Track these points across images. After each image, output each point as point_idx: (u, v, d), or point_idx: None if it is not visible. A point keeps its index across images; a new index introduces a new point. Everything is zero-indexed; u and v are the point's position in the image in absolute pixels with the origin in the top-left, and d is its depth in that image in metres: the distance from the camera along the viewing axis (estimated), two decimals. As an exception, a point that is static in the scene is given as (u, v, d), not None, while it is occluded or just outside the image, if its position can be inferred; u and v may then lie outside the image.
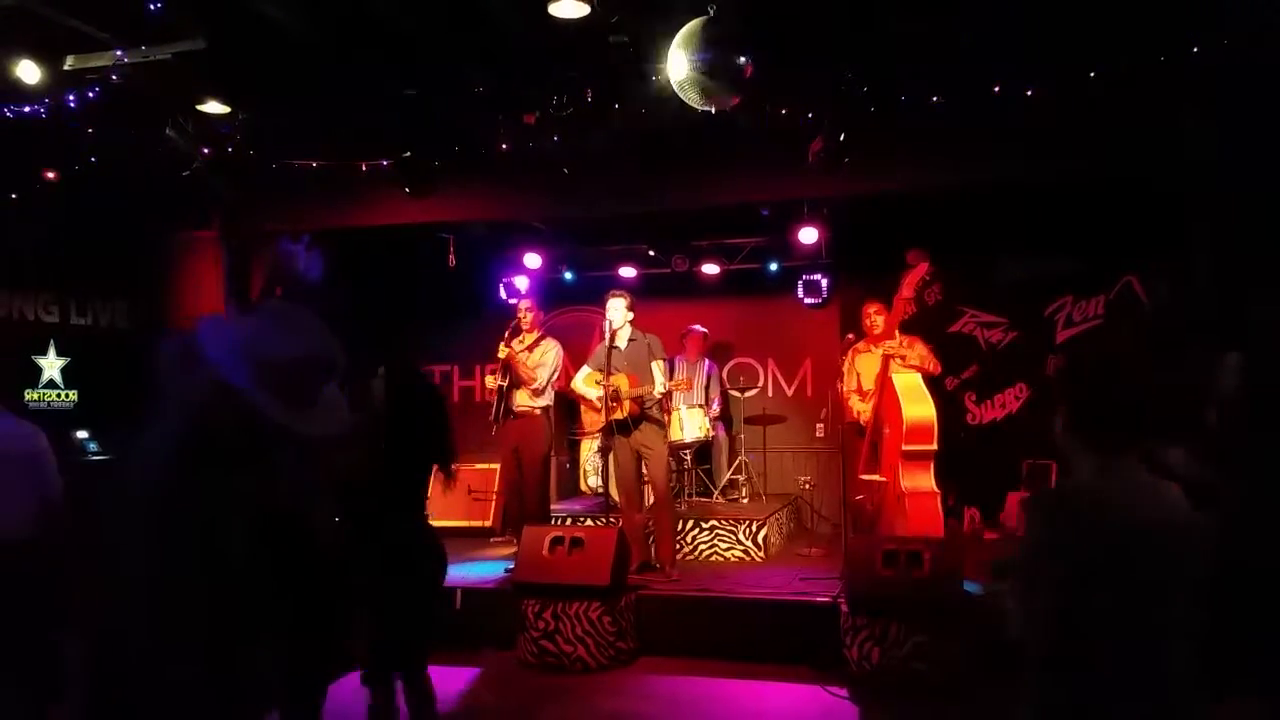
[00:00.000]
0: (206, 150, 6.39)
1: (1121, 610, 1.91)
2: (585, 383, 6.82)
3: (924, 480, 6.11)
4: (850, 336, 6.93)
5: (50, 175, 6.64)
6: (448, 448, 4.03)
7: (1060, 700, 1.96)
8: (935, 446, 6.12)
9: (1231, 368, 2.78)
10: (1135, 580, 1.91)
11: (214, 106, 5.94)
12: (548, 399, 7.09)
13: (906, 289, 6.23)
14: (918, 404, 6.13)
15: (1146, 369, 2.04)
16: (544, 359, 7.00)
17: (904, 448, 6.08)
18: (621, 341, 6.58)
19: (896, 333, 6.41)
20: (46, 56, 5.30)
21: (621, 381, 6.40)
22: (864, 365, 6.69)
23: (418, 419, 3.89)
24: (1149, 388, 2.03)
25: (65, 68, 5.36)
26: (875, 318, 6.67)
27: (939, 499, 6.11)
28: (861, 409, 6.59)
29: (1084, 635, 1.93)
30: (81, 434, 7.44)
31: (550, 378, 7.05)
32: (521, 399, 6.98)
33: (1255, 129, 5.36)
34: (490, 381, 7.17)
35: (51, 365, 7.46)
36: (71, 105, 5.72)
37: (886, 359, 6.35)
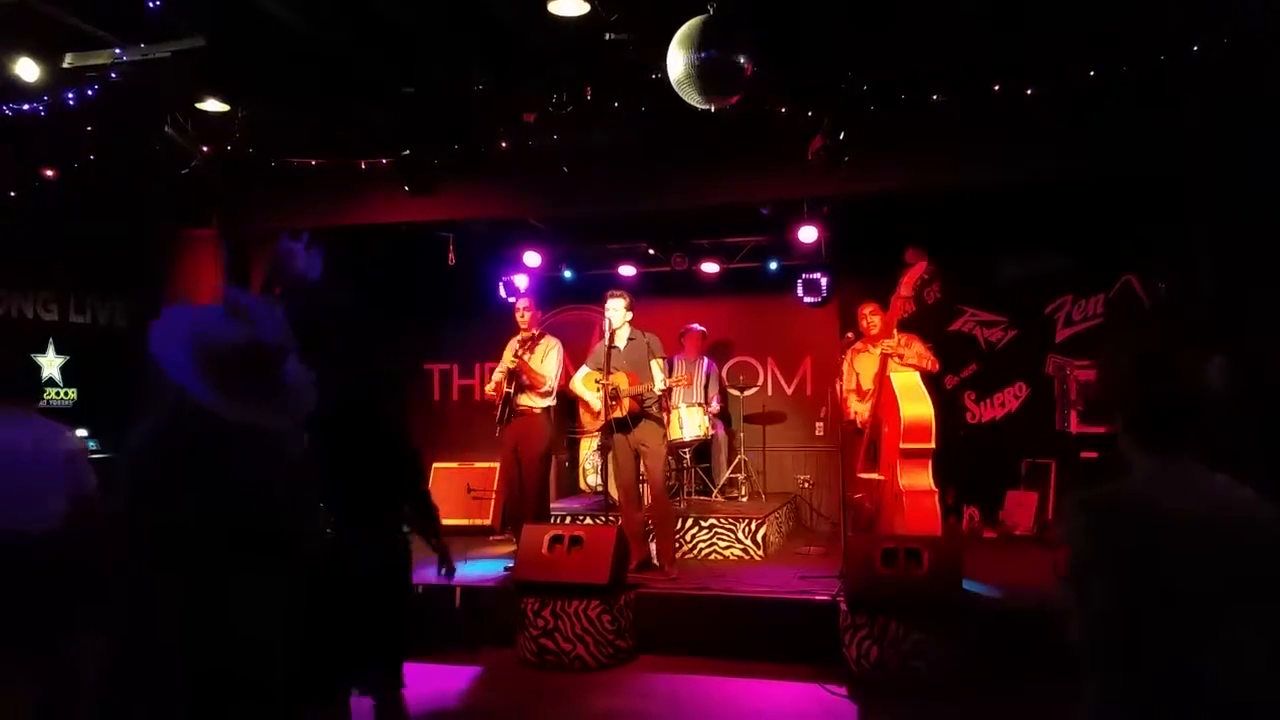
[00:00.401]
0: (206, 148, 6.39)
1: (1182, 610, 1.86)
2: (584, 382, 6.82)
3: (922, 479, 6.11)
4: (849, 335, 6.93)
5: (49, 173, 6.63)
6: (407, 470, 3.87)
7: (1124, 701, 1.91)
8: (933, 445, 6.13)
9: (1216, 370, 2.78)
10: (1196, 578, 1.86)
11: (213, 104, 5.94)
12: (550, 399, 7.10)
13: (905, 288, 6.23)
14: (916, 403, 6.13)
15: (1198, 366, 2.01)
16: (548, 361, 6.99)
17: (902, 446, 6.09)
18: (621, 341, 6.59)
19: (895, 331, 6.41)
20: (45, 54, 5.30)
21: (621, 380, 6.40)
22: (862, 365, 6.69)
23: (367, 433, 3.76)
24: (1203, 386, 1.99)
25: (64, 65, 5.36)
26: (871, 318, 6.67)
27: (938, 498, 6.11)
28: (860, 409, 6.59)
29: (1143, 636, 1.89)
30: (81, 432, 7.44)
31: (556, 377, 7.07)
32: (524, 399, 6.98)
33: (1255, 127, 5.36)
34: (490, 389, 7.15)
35: (50, 364, 7.46)
36: (70, 103, 5.72)
37: (885, 358, 6.35)
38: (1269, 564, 1.86)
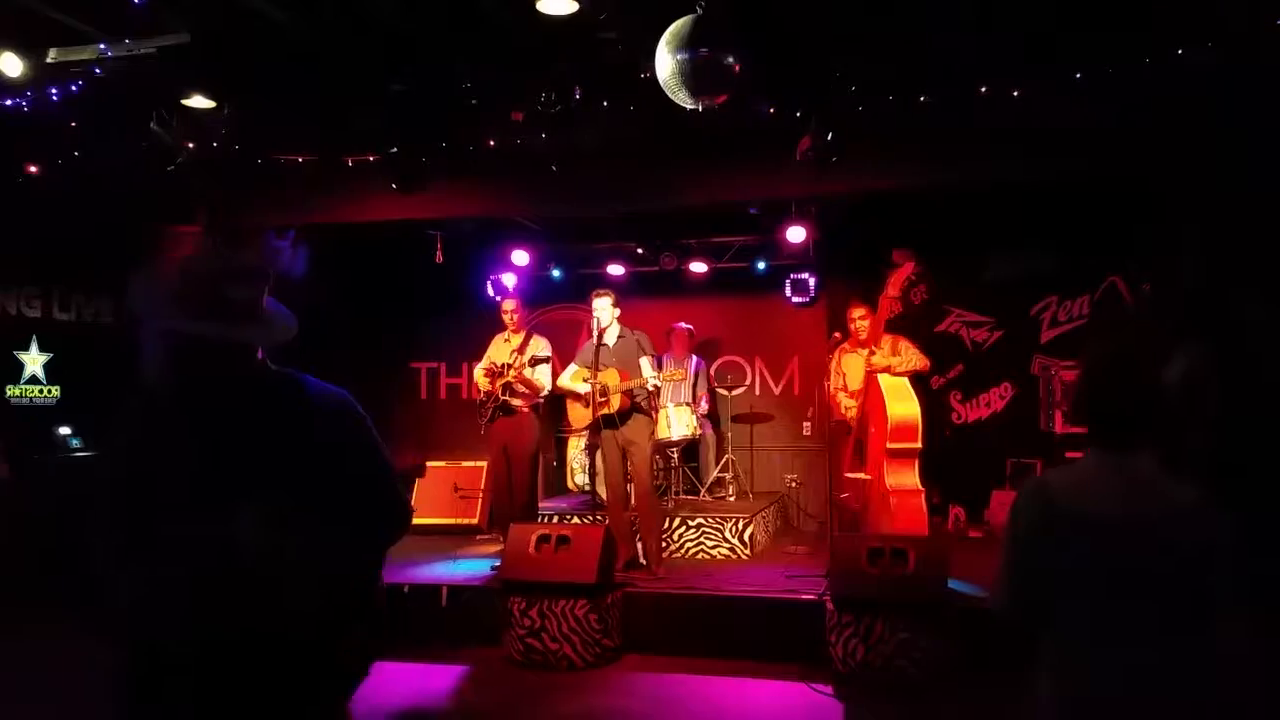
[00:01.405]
0: (191, 145, 6.35)
1: (1068, 593, 2.00)
2: (573, 380, 6.81)
3: (909, 478, 6.14)
4: (837, 335, 6.94)
5: (33, 169, 6.59)
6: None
7: (1041, 670, 2.09)
8: (920, 445, 6.15)
9: (1184, 370, 2.85)
10: (1095, 568, 1.97)
11: (199, 101, 5.90)
12: (542, 397, 7.09)
13: (892, 288, 6.26)
14: (902, 403, 6.16)
15: (1150, 367, 2.07)
16: (541, 369, 6.96)
17: (889, 446, 6.11)
18: (610, 339, 6.59)
19: (883, 340, 6.41)
20: (29, 49, 5.26)
21: (611, 377, 6.40)
22: (850, 365, 6.71)
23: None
24: (1157, 387, 2.05)
25: (48, 61, 5.32)
26: (860, 322, 6.67)
27: (924, 497, 6.14)
28: (849, 405, 6.61)
29: (1034, 614, 2.08)
30: (64, 430, 7.41)
31: (551, 381, 7.05)
32: (515, 399, 6.96)
33: (1240, 130, 5.40)
34: (484, 382, 7.12)
35: (34, 361, 7.42)
36: (54, 99, 5.68)
37: (874, 371, 6.36)
38: (1190, 561, 1.94)
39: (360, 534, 2.19)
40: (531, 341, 7.04)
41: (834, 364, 6.83)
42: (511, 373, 6.87)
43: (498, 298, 8.45)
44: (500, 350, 7.11)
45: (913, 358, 6.43)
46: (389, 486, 2.29)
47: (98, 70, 5.38)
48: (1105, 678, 1.94)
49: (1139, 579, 1.93)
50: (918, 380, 6.45)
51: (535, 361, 6.90)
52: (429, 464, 9.17)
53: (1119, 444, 2.04)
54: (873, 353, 6.40)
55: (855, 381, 6.60)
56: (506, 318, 7.16)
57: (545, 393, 7.01)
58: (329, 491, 2.04)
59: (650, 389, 6.44)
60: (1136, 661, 1.93)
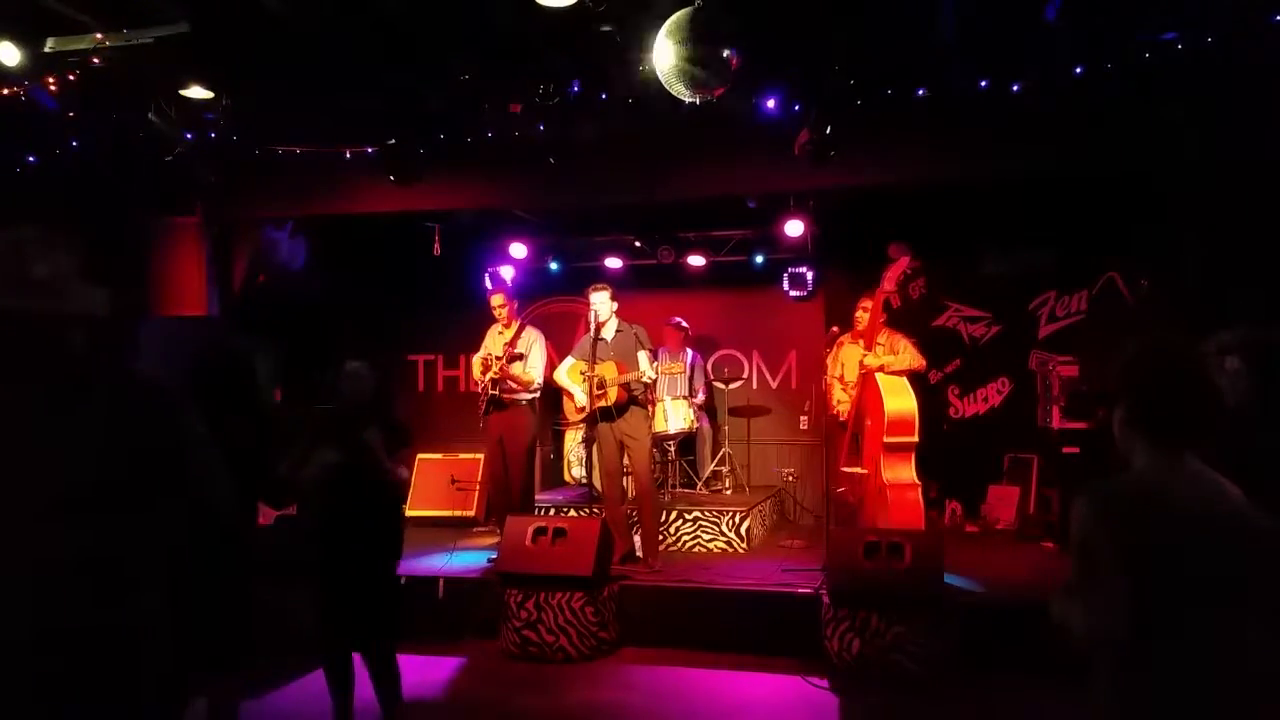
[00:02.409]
0: (189, 135, 6.34)
1: (1184, 601, 1.89)
2: (569, 374, 6.80)
3: (905, 473, 6.14)
4: (834, 330, 6.94)
5: (30, 159, 6.57)
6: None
7: (1135, 695, 1.94)
8: (916, 439, 6.15)
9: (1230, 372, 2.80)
10: (1198, 572, 1.89)
11: (197, 91, 5.89)
12: (535, 391, 7.09)
13: (887, 282, 6.26)
14: (899, 397, 6.16)
15: (1207, 366, 2.04)
16: (532, 363, 6.95)
17: (885, 440, 6.11)
18: (609, 333, 6.58)
19: (881, 336, 6.41)
20: (26, 39, 5.24)
21: (608, 370, 6.39)
22: (848, 356, 6.71)
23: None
24: (1212, 385, 2.02)
25: (45, 50, 5.30)
26: (861, 314, 6.67)
27: (920, 491, 6.14)
28: (842, 397, 6.61)
29: (1148, 626, 1.91)
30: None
31: (543, 374, 7.05)
32: (509, 393, 6.95)
33: (1237, 126, 5.40)
34: (478, 375, 7.11)
35: (31, 352, 7.40)
36: (52, 88, 5.66)
37: (870, 370, 6.35)
38: (1260, 562, 1.90)
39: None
40: (524, 334, 7.01)
41: (831, 355, 6.83)
42: (496, 368, 6.86)
43: (487, 292, 8.45)
44: (496, 342, 7.11)
45: (908, 358, 6.41)
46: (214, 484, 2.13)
47: (95, 60, 5.36)
48: (1210, 683, 1.89)
49: (1239, 580, 1.90)
50: (915, 375, 6.45)
51: (511, 359, 6.87)
52: (426, 456, 9.17)
53: (1181, 445, 1.99)
54: (871, 347, 6.40)
55: (852, 372, 6.60)
56: (495, 312, 7.14)
57: (536, 386, 6.98)
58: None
59: (646, 382, 6.43)
60: (1240, 666, 1.88)
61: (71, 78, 5.60)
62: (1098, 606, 1.95)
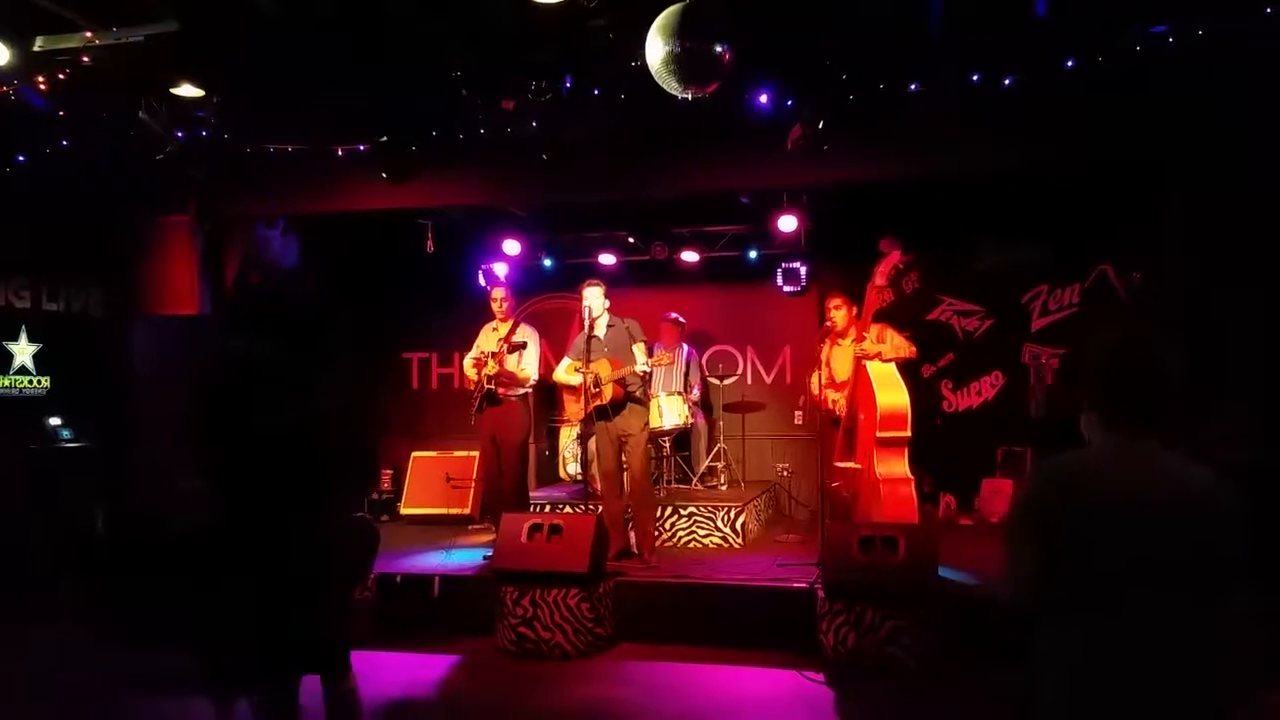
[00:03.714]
0: (180, 134, 6.32)
1: (1095, 578, 1.96)
2: (567, 373, 6.81)
3: (899, 467, 6.15)
4: (828, 324, 6.95)
5: (20, 158, 6.55)
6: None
7: (1049, 660, 2.04)
8: (909, 433, 6.16)
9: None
10: (1113, 551, 1.95)
11: (187, 89, 5.86)
12: (529, 386, 7.09)
13: (879, 277, 6.25)
14: (892, 391, 6.17)
15: (1165, 352, 2.07)
16: (527, 359, 6.95)
17: (879, 435, 6.12)
18: (601, 329, 6.58)
19: (871, 328, 6.42)
20: (15, 37, 5.22)
21: (603, 367, 6.39)
22: (835, 357, 6.70)
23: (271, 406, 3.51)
24: (1169, 372, 2.06)
25: (34, 49, 5.28)
26: (835, 313, 6.64)
27: (914, 485, 6.15)
28: (835, 397, 6.61)
29: (1055, 599, 2.01)
30: (54, 421, 7.38)
31: (537, 370, 7.05)
32: (503, 390, 6.95)
33: (1228, 119, 5.41)
34: (470, 372, 7.11)
35: (23, 351, 7.38)
36: (42, 87, 5.64)
37: (863, 356, 6.36)
38: (1208, 539, 1.95)
39: None
40: (519, 330, 7.02)
41: (822, 356, 6.83)
42: (493, 365, 6.85)
43: (488, 286, 8.44)
44: (489, 340, 7.11)
45: (900, 344, 6.43)
46: None
47: (85, 58, 5.33)
48: (1130, 661, 1.94)
49: (1166, 561, 1.94)
50: (907, 369, 6.45)
51: (512, 347, 6.87)
52: (421, 454, 9.16)
53: (1133, 427, 2.05)
54: (860, 339, 6.41)
55: (841, 373, 6.60)
56: (495, 305, 7.14)
57: (531, 382, 6.99)
58: None
59: (640, 374, 6.43)
60: (1159, 642, 1.93)
61: (61, 76, 5.58)
62: (1013, 576, 2.08)
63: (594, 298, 6.54)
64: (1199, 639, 1.93)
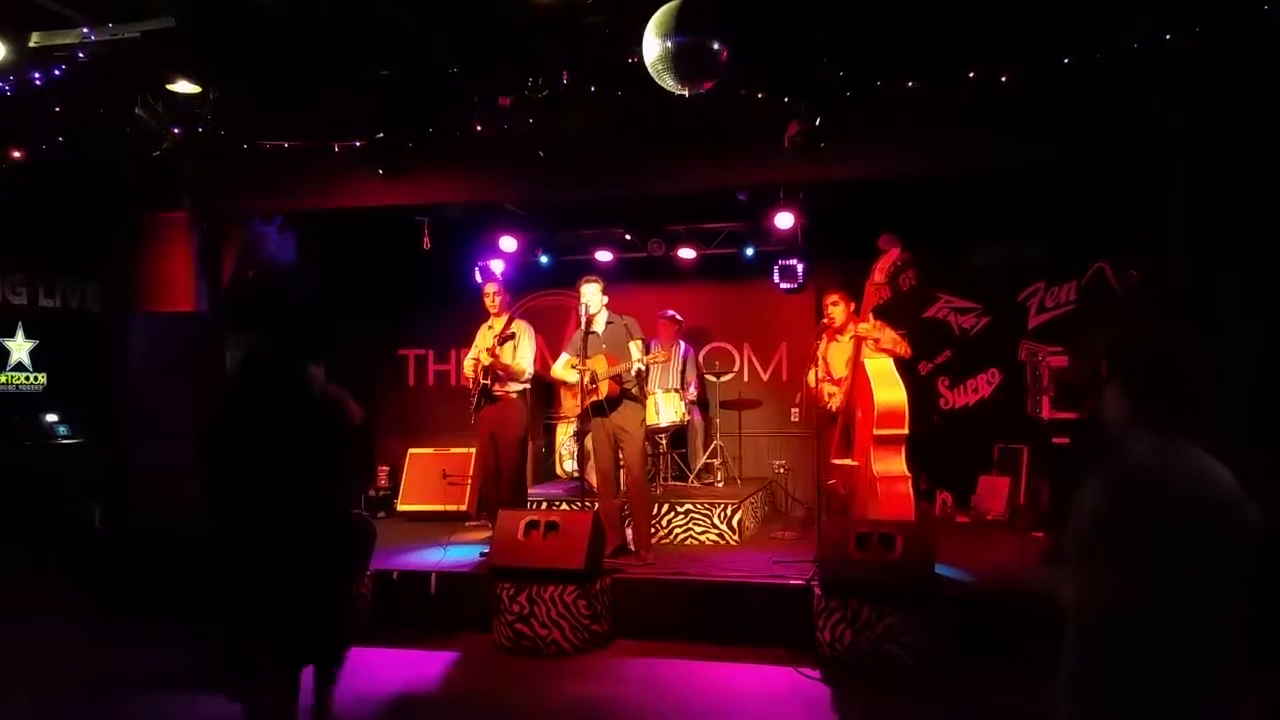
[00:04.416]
0: (177, 130, 6.30)
1: (1181, 584, 1.91)
2: (565, 369, 6.82)
3: (896, 464, 6.16)
4: (826, 321, 6.95)
5: (17, 154, 6.53)
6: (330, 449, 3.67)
7: (1113, 671, 1.97)
8: (907, 431, 6.17)
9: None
10: (1195, 557, 1.91)
11: (184, 86, 5.85)
12: (525, 383, 7.09)
13: (878, 274, 6.26)
14: (889, 389, 6.17)
15: (1206, 351, 2.05)
16: (522, 353, 6.96)
17: (876, 432, 6.12)
18: (599, 326, 6.59)
19: (870, 316, 6.43)
20: (11, 33, 5.20)
21: (599, 363, 6.40)
22: (832, 354, 6.71)
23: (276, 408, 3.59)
24: (1208, 373, 2.04)
25: (31, 44, 5.26)
26: (832, 309, 6.66)
27: (911, 483, 6.16)
28: (832, 390, 6.62)
29: (1145, 607, 1.93)
30: (51, 417, 7.37)
31: (532, 365, 7.05)
32: (499, 385, 6.95)
33: (1225, 115, 5.41)
34: (470, 370, 7.11)
35: (20, 348, 7.37)
36: (38, 83, 5.62)
37: (859, 343, 6.37)
38: (1251, 544, 1.93)
39: None
40: (513, 326, 7.03)
41: (819, 353, 6.84)
42: (487, 357, 6.86)
43: (480, 282, 8.44)
44: (485, 338, 7.12)
45: (895, 340, 6.44)
46: None
47: (81, 54, 5.32)
48: (1204, 666, 1.93)
49: (1222, 566, 1.92)
50: (904, 366, 6.46)
51: (503, 339, 6.88)
52: (418, 450, 9.15)
53: (1184, 432, 2.01)
54: (859, 323, 6.40)
55: (838, 370, 6.61)
56: (488, 301, 7.15)
57: (526, 377, 6.99)
58: None
59: (636, 371, 6.43)
60: (1219, 648, 1.92)
61: (57, 73, 5.56)
62: (1101, 589, 1.96)
63: (591, 294, 6.55)
64: (1233, 643, 1.93)
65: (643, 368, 6.46)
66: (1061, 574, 2.06)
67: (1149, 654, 1.94)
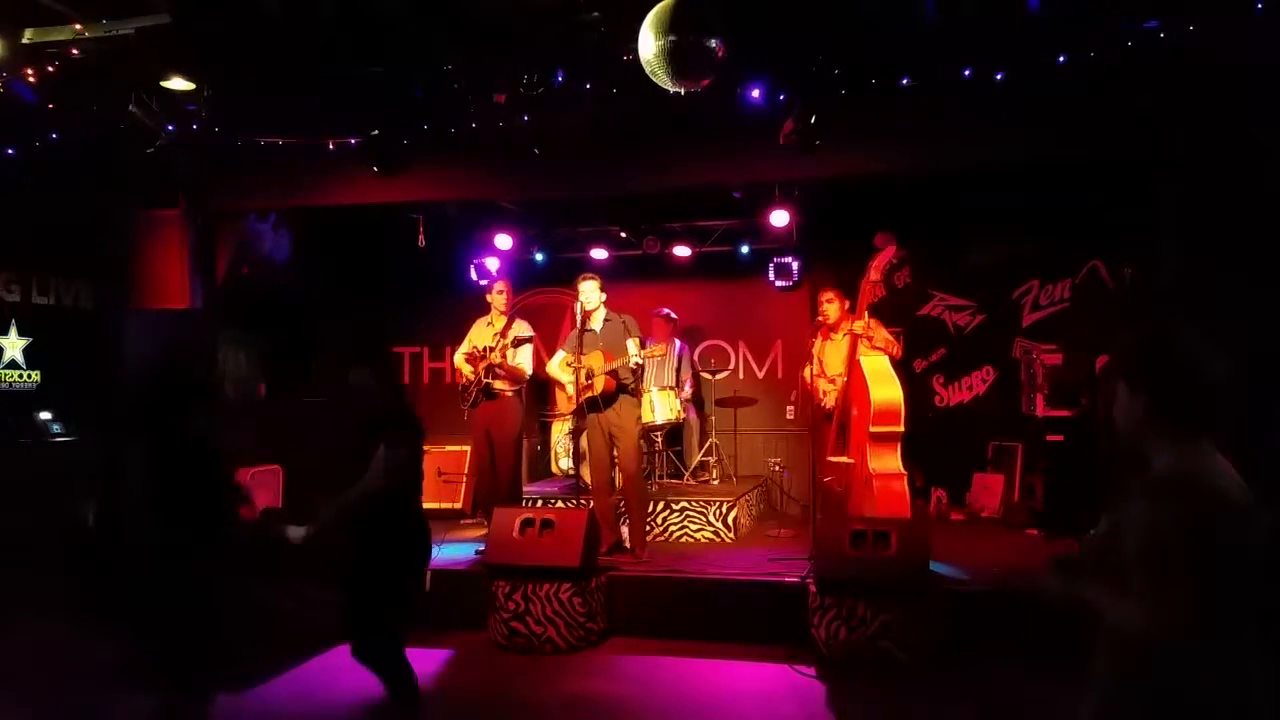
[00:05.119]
0: (171, 127, 6.29)
1: (1246, 588, 1.91)
2: (560, 367, 6.82)
3: (891, 462, 6.17)
4: (820, 319, 6.96)
5: (10, 151, 6.51)
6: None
7: (1192, 682, 1.91)
8: (902, 428, 6.18)
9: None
10: (1248, 559, 1.91)
11: (178, 83, 5.83)
12: (523, 381, 7.09)
13: (874, 272, 6.26)
14: (885, 386, 6.18)
15: (1215, 355, 2.02)
16: (523, 353, 6.96)
17: (871, 430, 6.13)
18: (596, 323, 6.59)
19: (865, 314, 6.44)
20: (4, 29, 5.18)
21: (595, 360, 6.40)
22: (826, 352, 6.72)
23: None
24: (1224, 372, 2.01)
25: (23, 41, 5.24)
26: (827, 307, 6.67)
27: (906, 480, 6.17)
28: (827, 388, 6.62)
29: (1221, 614, 1.89)
30: (45, 415, 7.34)
31: (531, 365, 7.05)
32: (497, 382, 6.95)
33: (1220, 113, 5.43)
34: (465, 366, 7.10)
35: (13, 345, 7.34)
36: (31, 80, 5.60)
37: (854, 341, 6.38)
38: (1261, 544, 1.92)
39: None
40: (514, 325, 7.04)
41: (814, 351, 6.84)
42: (495, 356, 6.86)
43: (483, 281, 8.42)
44: (482, 334, 7.10)
45: (888, 339, 6.45)
46: None
47: (74, 51, 5.30)
48: (1234, 671, 1.91)
49: (1258, 569, 1.92)
50: (899, 363, 6.47)
51: (518, 342, 6.89)
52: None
53: (1202, 434, 2.00)
54: (854, 320, 6.41)
55: (833, 367, 6.61)
56: (498, 299, 7.13)
57: (527, 377, 7.00)
58: None
59: (633, 366, 6.43)
60: (1247, 653, 1.92)
61: (51, 69, 5.54)
62: (1170, 604, 1.88)
63: (590, 291, 6.56)
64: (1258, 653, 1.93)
65: (640, 362, 6.46)
66: (1083, 584, 2.02)
67: (1217, 669, 1.90)
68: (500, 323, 7.06)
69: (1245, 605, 1.91)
